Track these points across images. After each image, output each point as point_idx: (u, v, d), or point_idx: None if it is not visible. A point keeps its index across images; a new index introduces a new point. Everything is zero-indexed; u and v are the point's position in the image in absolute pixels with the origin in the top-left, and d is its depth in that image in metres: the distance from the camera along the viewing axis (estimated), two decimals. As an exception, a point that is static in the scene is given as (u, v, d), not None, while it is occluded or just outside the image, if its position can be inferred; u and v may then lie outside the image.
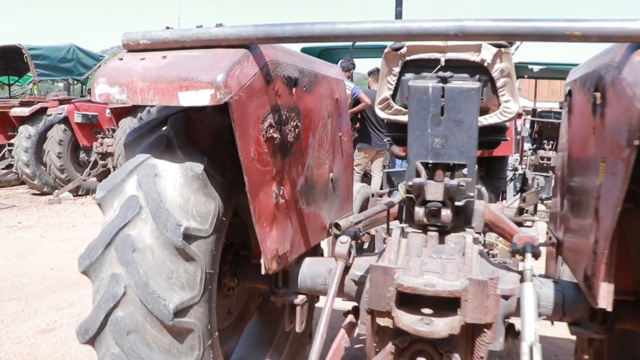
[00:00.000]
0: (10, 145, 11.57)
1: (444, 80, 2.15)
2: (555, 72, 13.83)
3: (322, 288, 2.42)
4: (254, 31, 1.76)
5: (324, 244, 3.01)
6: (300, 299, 2.44)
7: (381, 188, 8.25)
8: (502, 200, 3.65)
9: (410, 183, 2.18)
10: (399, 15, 3.72)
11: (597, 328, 2.13)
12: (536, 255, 2.16)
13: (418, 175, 2.23)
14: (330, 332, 2.10)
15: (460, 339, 2.00)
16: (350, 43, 8.91)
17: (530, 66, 10.86)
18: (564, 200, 2.51)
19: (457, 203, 2.23)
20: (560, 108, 13.30)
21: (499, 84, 2.30)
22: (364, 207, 4.30)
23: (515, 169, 5.07)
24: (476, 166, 2.25)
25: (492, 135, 2.47)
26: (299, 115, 2.21)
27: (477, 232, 2.36)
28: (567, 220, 2.39)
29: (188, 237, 1.82)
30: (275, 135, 2.00)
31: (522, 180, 3.36)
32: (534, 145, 12.39)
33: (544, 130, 12.59)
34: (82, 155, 11.43)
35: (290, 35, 1.74)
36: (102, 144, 10.69)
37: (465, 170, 2.21)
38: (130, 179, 1.90)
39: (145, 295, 1.76)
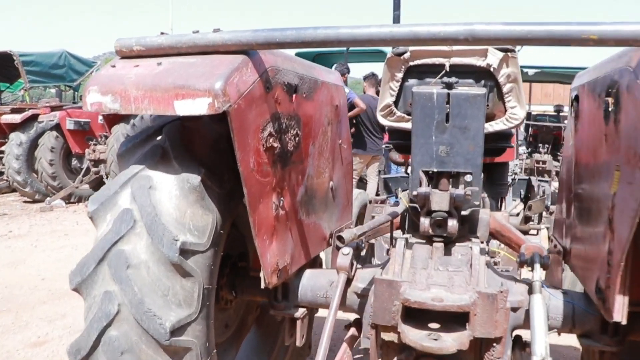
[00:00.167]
0: (1, 152, 11.41)
1: (449, 86, 2.08)
2: (549, 75, 13.87)
3: (323, 301, 2.35)
4: (254, 36, 1.69)
5: (322, 253, 2.93)
6: (300, 312, 2.36)
7: (377, 193, 8.23)
8: (500, 207, 3.59)
9: (415, 193, 2.10)
10: (396, 20, 3.65)
11: (609, 340, 2.06)
12: (545, 266, 2.09)
13: (426, 184, 2.16)
14: (330, 342, 2.02)
15: (468, 354, 1.93)
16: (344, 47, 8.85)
17: (524, 70, 10.86)
18: (570, 208, 2.45)
19: (462, 212, 2.17)
20: (555, 111, 13.37)
21: (505, 89, 2.24)
22: (361, 213, 4.23)
23: (515, 174, 5.02)
24: (482, 174, 2.19)
25: (497, 142, 2.41)
26: (299, 123, 2.14)
27: (482, 242, 2.29)
28: (575, 228, 2.32)
29: (185, 252, 1.74)
30: (275, 144, 1.93)
31: (527, 187, 3.29)
32: (529, 149, 12.38)
33: (539, 134, 12.59)
34: (75, 162, 11.29)
35: (292, 41, 1.67)
36: (94, 151, 10.57)
37: (470, 179, 2.14)
38: (124, 192, 1.81)
39: (140, 313, 1.68)
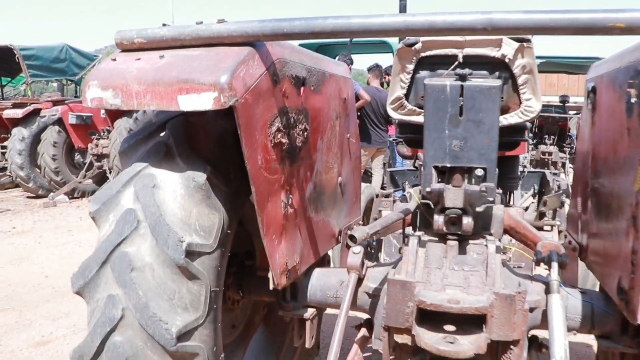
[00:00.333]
0: (4, 147, 11.37)
1: (463, 77, 2.00)
2: (554, 65, 13.70)
3: (333, 301, 2.28)
4: (260, 27, 1.61)
5: (330, 250, 2.86)
6: (309, 312, 2.29)
7: (382, 187, 8.15)
8: (509, 201, 3.51)
9: (428, 189, 2.02)
10: (403, 9, 3.57)
11: (630, 342, 1.99)
12: (563, 265, 2.01)
13: (439, 180, 2.08)
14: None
15: (485, 357, 1.86)
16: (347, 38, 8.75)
17: None
18: (586, 203, 2.37)
19: (477, 209, 2.09)
20: (561, 102, 13.21)
21: (520, 81, 2.15)
22: (368, 207, 4.16)
23: (524, 167, 4.92)
24: (497, 170, 2.11)
25: (511, 136, 2.32)
26: (307, 118, 2.07)
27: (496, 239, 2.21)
28: (592, 224, 2.25)
29: (191, 253, 1.67)
30: (283, 140, 1.85)
31: (541, 181, 3.20)
32: (535, 140, 12.26)
33: (545, 125, 12.45)
34: (77, 157, 11.24)
35: (300, 31, 1.59)
36: (97, 145, 10.51)
37: (484, 174, 2.06)
38: (127, 191, 1.74)
39: (145, 318, 1.61)
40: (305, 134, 2.06)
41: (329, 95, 2.30)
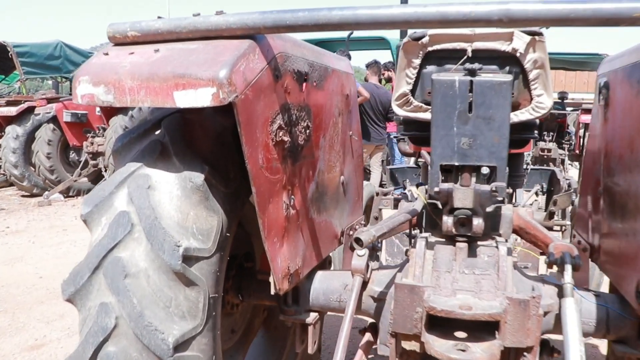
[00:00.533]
0: (-2, 146, 11.23)
1: (472, 72, 1.91)
2: (551, 61, 13.59)
3: (336, 305, 2.20)
4: (261, 19, 1.51)
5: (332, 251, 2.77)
6: (312, 317, 2.21)
7: (381, 184, 8.06)
8: (511, 199, 3.43)
9: (436, 189, 1.94)
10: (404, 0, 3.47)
11: None
12: (577, 267, 1.93)
13: (444, 179, 1.99)
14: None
15: None
16: (344, 34, 8.65)
17: None
18: (598, 202, 2.29)
19: (487, 210, 2.00)
20: (560, 98, 13.14)
21: (531, 76, 2.06)
22: (368, 206, 4.07)
23: (527, 164, 4.83)
24: (507, 168, 2.02)
25: (521, 133, 2.24)
26: (309, 115, 1.98)
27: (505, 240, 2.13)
28: (606, 225, 2.17)
29: (188, 258, 1.58)
30: (285, 138, 1.76)
31: (550, 179, 3.12)
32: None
33: (544, 121, 12.36)
34: (72, 155, 11.09)
35: (304, 23, 1.49)
36: (92, 143, 10.35)
37: (495, 173, 1.98)
38: (120, 192, 1.65)
39: (140, 327, 1.52)
40: (308, 131, 1.97)
41: (331, 91, 2.21)
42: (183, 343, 1.56)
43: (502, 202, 2.11)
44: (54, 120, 10.53)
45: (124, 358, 1.53)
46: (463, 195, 1.93)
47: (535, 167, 4.45)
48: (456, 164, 1.99)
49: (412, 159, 7.24)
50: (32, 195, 10.61)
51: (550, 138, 11.63)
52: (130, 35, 1.65)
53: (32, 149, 10.54)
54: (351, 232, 2.68)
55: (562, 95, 13.19)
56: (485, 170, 1.99)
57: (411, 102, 2.20)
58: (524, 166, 4.28)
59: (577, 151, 12.05)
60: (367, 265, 2.05)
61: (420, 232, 2.30)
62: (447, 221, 1.96)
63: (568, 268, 1.89)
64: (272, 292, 1.87)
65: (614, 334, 1.99)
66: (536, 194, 3.73)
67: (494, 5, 1.39)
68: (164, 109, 1.82)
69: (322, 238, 2.24)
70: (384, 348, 2.02)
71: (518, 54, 2.04)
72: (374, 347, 2.19)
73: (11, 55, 12.10)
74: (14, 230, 7.61)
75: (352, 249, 1.98)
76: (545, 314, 1.93)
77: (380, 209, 4.15)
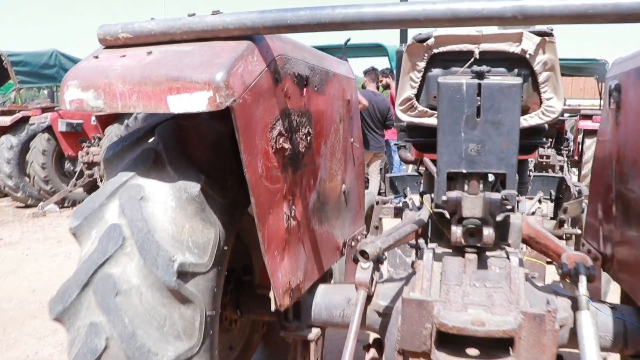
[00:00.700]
0: (-8, 156, 11.09)
1: (480, 75, 1.82)
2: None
3: (339, 320, 2.10)
4: (260, 18, 1.43)
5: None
6: (314, 333, 2.11)
7: (379, 192, 7.97)
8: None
9: (444, 197, 1.85)
10: None
11: None
12: (591, 278, 1.83)
13: (451, 187, 1.90)
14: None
15: None
16: (341, 40, 8.61)
17: None
18: (610, 210, 2.20)
19: (497, 219, 1.91)
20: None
21: (541, 78, 1.98)
22: (368, 215, 3.97)
23: (530, 170, 4.75)
24: (517, 175, 1.93)
25: (529, 138, 2.15)
26: (310, 120, 1.89)
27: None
28: (619, 233, 2.08)
29: (184, 274, 1.48)
30: (285, 145, 1.67)
31: (558, 187, 3.03)
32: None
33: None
34: (68, 165, 10.98)
35: (306, 23, 1.41)
36: (88, 153, 10.25)
37: (504, 181, 1.89)
38: (111, 204, 1.55)
39: (132, 349, 1.42)
40: (309, 138, 1.88)
41: (332, 96, 2.13)
42: (178, 365, 1.46)
43: (512, 210, 2.03)
44: (49, 130, 10.43)
45: (115, 382, 1.43)
46: (472, 204, 1.83)
47: (538, 173, 4.37)
48: (464, 171, 1.90)
49: (411, 167, 7.17)
50: (27, 206, 10.48)
51: (549, 144, 11.58)
52: (121, 37, 1.56)
53: (26, 159, 10.42)
54: (353, 243, 2.58)
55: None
56: (494, 178, 1.90)
57: (416, 107, 2.12)
58: (527, 173, 4.20)
59: (576, 157, 12.01)
60: (372, 278, 1.95)
61: (426, 242, 2.21)
62: (456, 231, 1.86)
63: (582, 279, 1.80)
64: (272, 308, 1.77)
65: (632, 348, 1.90)
66: (539, 201, 3.65)
67: (508, 2, 1.31)
68: (158, 116, 1.73)
69: (324, 250, 2.15)
70: None
71: (527, 56, 1.96)
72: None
73: (5, 64, 12.00)
74: (8, 242, 7.48)
75: (356, 261, 1.89)
76: (560, 327, 1.84)
77: (380, 218, 4.06)
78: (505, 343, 1.64)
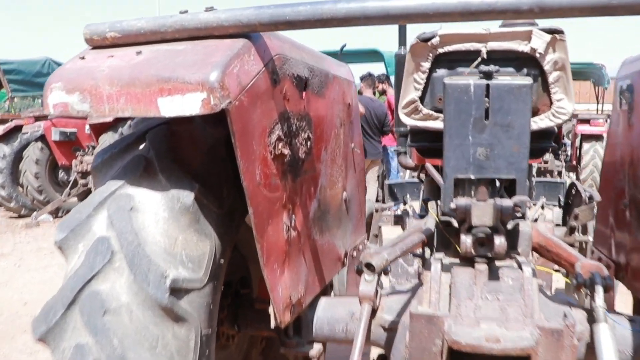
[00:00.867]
0: (-16, 166, 10.95)
1: (489, 75, 1.74)
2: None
3: (342, 336, 1.99)
4: (257, 15, 1.33)
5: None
6: (316, 349, 2.00)
7: (377, 200, 7.87)
8: None
9: (452, 205, 1.75)
10: None
11: None
12: (608, 288, 1.73)
13: (458, 194, 1.81)
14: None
15: None
16: (337, 46, 8.55)
17: None
18: (622, 216, 2.11)
19: (507, 227, 1.82)
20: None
21: (551, 78, 1.89)
22: (367, 223, 3.87)
23: (533, 175, 4.65)
24: (527, 181, 1.84)
25: (539, 142, 2.06)
26: (310, 125, 1.79)
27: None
28: (634, 240, 1.99)
29: (177, 291, 1.38)
30: (285, 151, 1.57)
31: (567, 192, 2.95)
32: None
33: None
34: (61, 174, 10.84)
35: (306, 19, 1.32)
36: (82, 162, 10.11)
37: (515, 186, 1.79)
38: (99, 215, 1.45)
39: (121, 372, 1.31)
40: (309, 143, 1.78)
41: (332, 100, 2.03)
42: (172, 389, 1.35)
43: (523, 217, 1.93)
44: (42, 139, 10.31)
45: (103, 408, 1.32)
46: (482, 211, 1.74)
47: (539, 179, 4.28)
48: (472, 177, 1.80)
49: (409, 173, 7.06)
50: (20, 217, 10.34)
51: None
52: (109, 37, 1.47)
53: (19, 168, 10.29)
54: (355, 253, 2.48)
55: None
56: (504, 183, 1.81)
57: (420, 110, 2.02)
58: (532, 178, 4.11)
59: (574, 162, 11.96)
60: (377, 291, 1.85)
61: (431, 251, 2.11)
62: (466, 241, 1.76)
63: (599, 289, 1.70)
64: (272, 324, 1.67)
65: None
66: (542, 207, 3.56)
67: (524, -6, 1.22)
68: (149, 121, 1.63)
69: (326, 261, 2.04)
70: None
71: (537, 55, 1.87)
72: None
73: (-2, 73, 11.91)
74: (0, 253, 7.34)
75: (360, 272, 1.78)
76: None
77: (380, 227, 3.96)
78: (519, 359, 1.54)
